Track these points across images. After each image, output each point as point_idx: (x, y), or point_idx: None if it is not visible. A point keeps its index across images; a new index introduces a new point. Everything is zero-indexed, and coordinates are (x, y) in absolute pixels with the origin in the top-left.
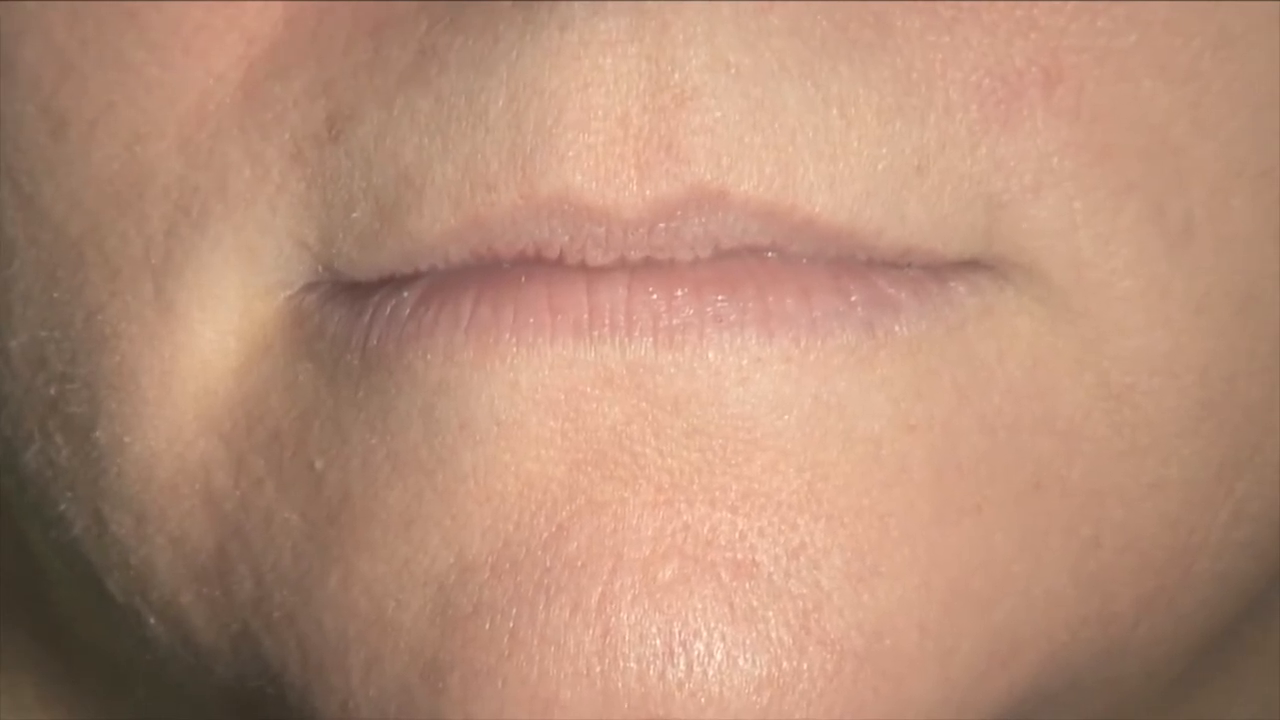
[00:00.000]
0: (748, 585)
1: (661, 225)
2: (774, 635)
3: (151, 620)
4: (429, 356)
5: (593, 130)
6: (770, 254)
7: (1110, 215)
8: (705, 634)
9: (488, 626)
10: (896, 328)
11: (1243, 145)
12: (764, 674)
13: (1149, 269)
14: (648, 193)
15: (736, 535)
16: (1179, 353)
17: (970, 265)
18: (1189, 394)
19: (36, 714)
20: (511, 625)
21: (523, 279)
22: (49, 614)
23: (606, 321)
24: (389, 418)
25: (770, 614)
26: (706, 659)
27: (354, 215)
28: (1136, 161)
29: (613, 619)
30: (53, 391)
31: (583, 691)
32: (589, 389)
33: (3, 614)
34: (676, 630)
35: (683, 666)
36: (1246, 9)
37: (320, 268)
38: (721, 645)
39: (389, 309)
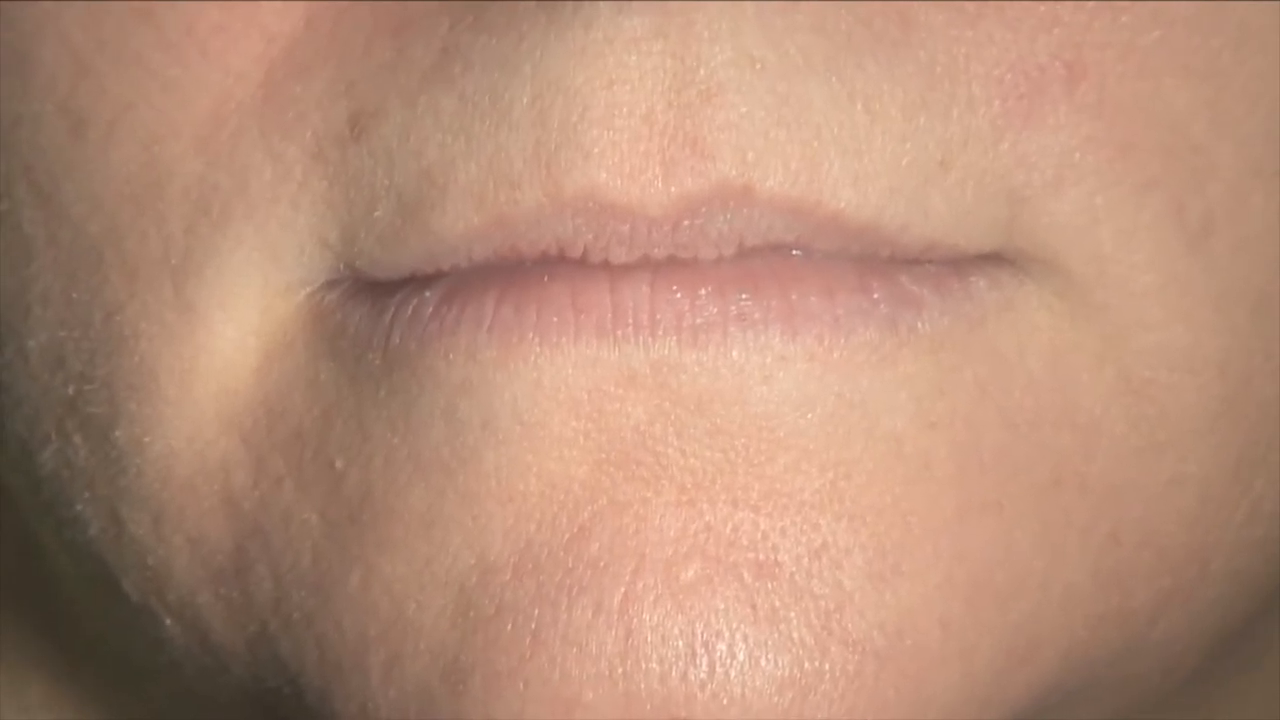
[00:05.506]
0: (770, 586)
1: (686, 222)
2: (796, 636)
3: (167, 620)
4: (451, 356)
5: (617, 127)
6: (794, 252)
7: (1131, 211)
8: (728, 635)
9: (509, 628)
10: (919, 324)
11: (1261, 144)
12: (786, 674)
13: (1169, 265)
14: (673, 189)
15: (759, 535)
16: (1198, 349)
17: (990, 259)
18: (1207, 390)
19: (43, 713)
20: (533, 626)
21: (545, 278)
22: (58, 612)
23: (630, 321)
24: (411, 417)
25: (792, 614)
26: (729, 660)
27: (376, 214)
28: (1157, 158)
29: (635, 620)
30: (71, 391)
31: (605, 692)
32: (612, 388)
33: (9, 612)
34: (699, 631)
35: (705, 667)
36: (1266, 7)
37: (342, 266)
38: (744, 646)
39: (411, 308)
